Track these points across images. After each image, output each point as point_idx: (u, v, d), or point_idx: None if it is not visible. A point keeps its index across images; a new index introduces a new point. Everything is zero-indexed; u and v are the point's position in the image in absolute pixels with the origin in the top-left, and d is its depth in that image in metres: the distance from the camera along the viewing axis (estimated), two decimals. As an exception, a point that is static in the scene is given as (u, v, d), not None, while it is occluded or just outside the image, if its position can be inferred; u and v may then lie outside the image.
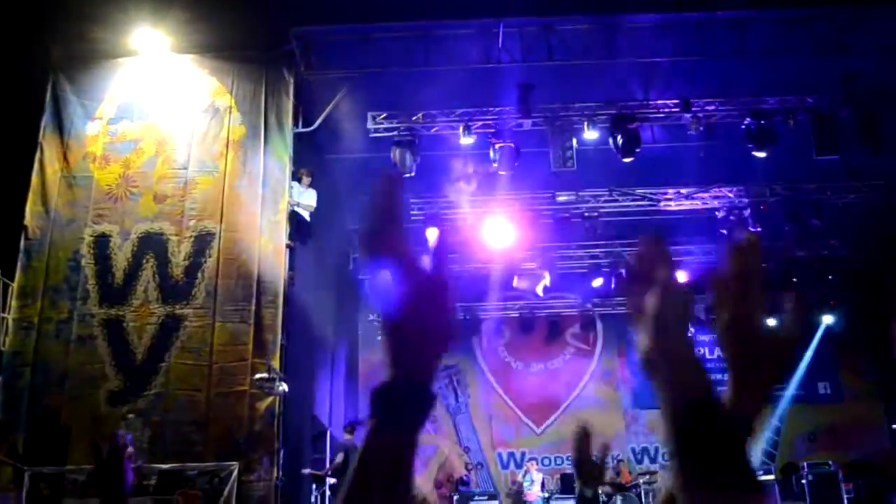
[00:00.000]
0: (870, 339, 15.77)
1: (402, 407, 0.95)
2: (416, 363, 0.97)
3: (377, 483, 0.91)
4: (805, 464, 13.79)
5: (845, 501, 12.99)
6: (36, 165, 11.53)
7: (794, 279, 14.43)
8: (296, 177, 11.96)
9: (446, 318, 0.99)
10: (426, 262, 0.99)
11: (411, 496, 0.94)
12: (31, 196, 11.41)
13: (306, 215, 12.09)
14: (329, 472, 12.30)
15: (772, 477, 13.98)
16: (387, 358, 0.98)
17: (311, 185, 12.16)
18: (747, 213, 14.04)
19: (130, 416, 10.56)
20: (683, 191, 14.38)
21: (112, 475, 2.42)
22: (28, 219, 11.31)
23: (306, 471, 12.33)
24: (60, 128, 11.75)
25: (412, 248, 1.00)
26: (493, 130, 12.66)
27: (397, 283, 0.98)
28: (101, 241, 11.30)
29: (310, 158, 12.54)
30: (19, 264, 11.16)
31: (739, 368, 1.18)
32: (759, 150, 12.32)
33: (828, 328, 16.74)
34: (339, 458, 12.24)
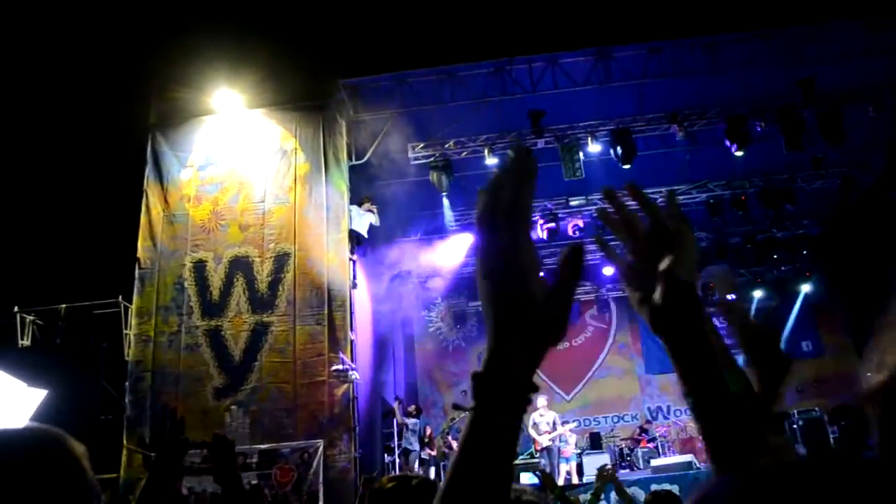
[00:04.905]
0: (842, 302, 17.40)
1: (503, 395, 0.88)
2: (521, 352, 0.89)
3: (481, 464, 0.87)
4: (795, 411, 14.59)
5: (831, 441, 14.13)
6: (143, 208, 13.35)
7: (775, 256, 16.08)
8: (358, 202, 13.48)
9: (564, 307, 0.90)
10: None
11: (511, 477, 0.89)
12: (140, 233, 13.22)
13: (364, 233, 13.62)
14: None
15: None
16: (491, 343, 0.89)
17: (370, 208, 13.69)
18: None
19: (233, 407, 12.12)
20: (675, 188, 15.73)
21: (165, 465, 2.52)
22: (140, 252, 13.15)
23: None
24: (160, 176, 13.57)
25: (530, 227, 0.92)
26: (512, 151, 14.22)
27: (508, 259, 0.89)
28: (199, 266, 13.03)
29: (365, 186, 14.07)
30: (135, 289, 12.96)
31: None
32: (737, 150, 13.82)
33: (806, 295, 18.54)
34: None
